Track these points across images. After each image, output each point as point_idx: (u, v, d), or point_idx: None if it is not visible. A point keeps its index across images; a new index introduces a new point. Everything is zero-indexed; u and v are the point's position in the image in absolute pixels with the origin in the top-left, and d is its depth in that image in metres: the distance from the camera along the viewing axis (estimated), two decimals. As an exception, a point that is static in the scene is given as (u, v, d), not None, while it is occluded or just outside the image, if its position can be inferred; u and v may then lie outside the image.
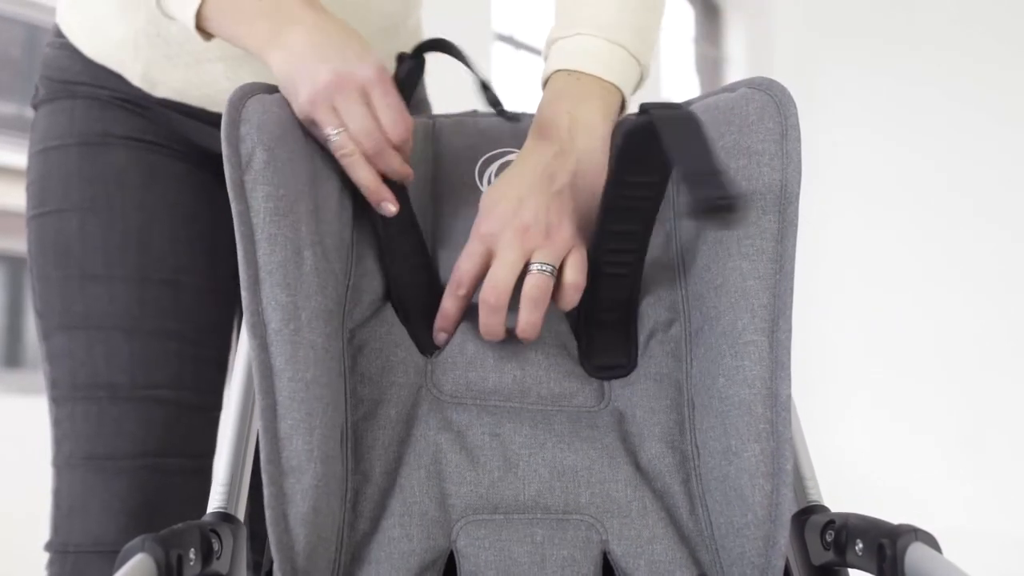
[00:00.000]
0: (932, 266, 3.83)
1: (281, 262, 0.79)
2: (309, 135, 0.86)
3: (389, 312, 0.90)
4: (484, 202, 0.86)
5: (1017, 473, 3.61)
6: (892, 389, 3.88)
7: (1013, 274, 3.75)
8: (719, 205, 0.73)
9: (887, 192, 3.95)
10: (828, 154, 3.84)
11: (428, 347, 0.89)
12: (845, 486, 0.92)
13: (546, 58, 0.95)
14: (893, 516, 0.79)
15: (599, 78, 0.91)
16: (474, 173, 0.94)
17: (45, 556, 1.07)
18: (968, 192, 3.85)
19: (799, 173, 0.82)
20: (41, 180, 1.08)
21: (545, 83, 0.94)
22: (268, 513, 0.75)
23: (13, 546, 1.70)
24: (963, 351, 3.77)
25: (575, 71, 0.91)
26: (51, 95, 1.10)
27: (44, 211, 1.07)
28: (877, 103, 4.22)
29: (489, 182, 0.94)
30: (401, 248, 0.90)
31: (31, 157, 1.10)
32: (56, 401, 1.07)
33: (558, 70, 0.92)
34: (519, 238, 0.83)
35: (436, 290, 0.90)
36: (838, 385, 3.86)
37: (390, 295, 0.90)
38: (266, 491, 0.75)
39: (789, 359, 0.79)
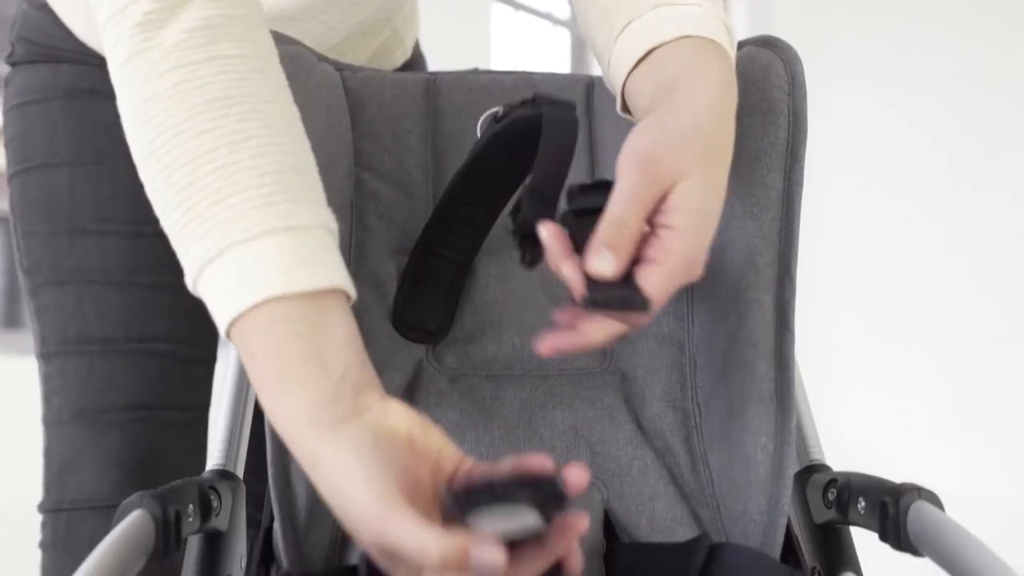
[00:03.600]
0: (931, 242, 3.82)
1: None
2: (323, 85, 0.85)
3: (392, 275, 0.89)
4: (694, 202, 0.65)
5: (1015, 441, 3.62)
6: (892, 364, 3.88)
7: (1011, 250, 3.75)
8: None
9: (887, 167, 3.94)
10: (828, 127, 3.81)
11: (409, 325, 0.88)
12: (845, 462, 0.92)
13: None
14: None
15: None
16: (476, 130, 0.93)
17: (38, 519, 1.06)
18: (968, 168, 3.84)
19: (805, 131, 0.81)
20: (23, 135, 1.05)
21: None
22: (270, 470, 0.75)
23: (9, 508, 1.70)
24: (961, 325, 3.77)
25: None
26: (31, 57, 1.07)
27: (28, 166, 1.05)
28: (877, 74, 4.20)
29: None
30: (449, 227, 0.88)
31: (7, 112, 1.07)
32: (45, 357, 1.05)
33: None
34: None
35: (452, 267, 0.89)
36: (837, 360, 3.86)
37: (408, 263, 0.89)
38: (269, 448, 0.75)
39: (794, 318, 0.79)
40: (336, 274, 0.64)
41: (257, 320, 0.62)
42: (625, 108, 0.78)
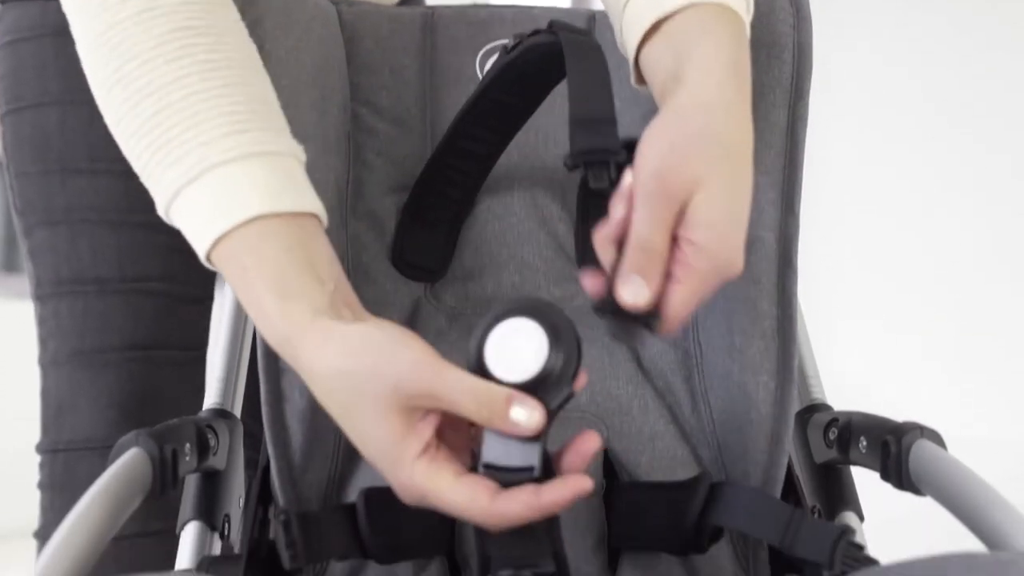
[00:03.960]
0: (931, 186, 3.81)
1: None
2: (316, 18, 0.83)
3: (391, 212, 0.88)
4: (716, 212, 0.62)
5: (1014, 378, 3.65)
6: (892, 307, 3.89)
7: (1011, 192, 3.76)
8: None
9: (887, 116, 3.92)
10: (832, 77, 3.74)
11: (408, 263, 0.87)
12: (845, 406, 0.93)
13: None
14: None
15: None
16: (475, 64, 0.91)
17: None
18: (967, 115, 3.83)
19: (810, 65, 0.80)
20: (14, 73, 1.04)
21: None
22: (265, 410, 0.74)
23: (7, 451, 1.70)
24: (960, 268, 3.79)
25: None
26: None
27: (19, 106, 1.03)
28: (879, 26, 4.15)
29: None
30: (452, 164, 0.86)
31: None
32: (40, 299, 1.05)
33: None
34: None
35: (453, 204, 0.88)
36: (836, 303, 3.85)
37: (409, 199, 0.88)
38: (263, 388, 0.74)
39: (796, 255, 0.78)
40: (313, 199, 0.66)
41: (245, 237, 0.62)
42: (641, 80, 0.74)
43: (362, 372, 0.59)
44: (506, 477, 0.59)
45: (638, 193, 0.62)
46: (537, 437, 0.59)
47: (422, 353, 0.59)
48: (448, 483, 0.59)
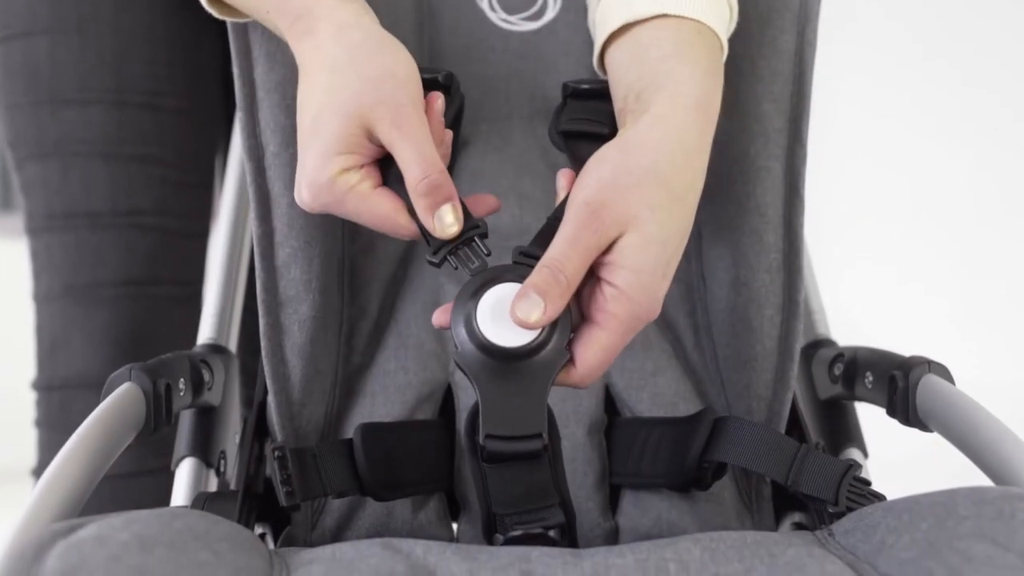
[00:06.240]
0: (933, 137, 3.81)
1: (280, 81, 0.74)
2: None
3: None
4: (640, 255, 0.60)
5: (1016, 323, 3.66)
6: (893, 252, 3.89)
7: (1011, 144, 3.77)
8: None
9: (889, 66, 3.89)
10: (832, 31, 3.68)
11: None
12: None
13: None
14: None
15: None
16: (474, -8, 0.88)
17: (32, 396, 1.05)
18: (969, 62, 3.81)
19: None
20: (2, 2, 1.01)
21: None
22: (264, 344, 0.73)
23: (7, 386, 1.70)
24: (963, 214, 3.80)
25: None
26: None
27: (8, 34, 1.01)
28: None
29: (489, 1, 0.87)
30: None
31: None
32: (33, 233, 1.03)
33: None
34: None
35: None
36: (840, 252, 3.84)
37: None
38: (262, 322, 0.73)
39: (804, 185, 0.76)
40: None
41: None
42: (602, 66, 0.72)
43: (366, 65, 0.62)
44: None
45: (568, 215, 0.60)
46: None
47: (411, 96, 0.62)
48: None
